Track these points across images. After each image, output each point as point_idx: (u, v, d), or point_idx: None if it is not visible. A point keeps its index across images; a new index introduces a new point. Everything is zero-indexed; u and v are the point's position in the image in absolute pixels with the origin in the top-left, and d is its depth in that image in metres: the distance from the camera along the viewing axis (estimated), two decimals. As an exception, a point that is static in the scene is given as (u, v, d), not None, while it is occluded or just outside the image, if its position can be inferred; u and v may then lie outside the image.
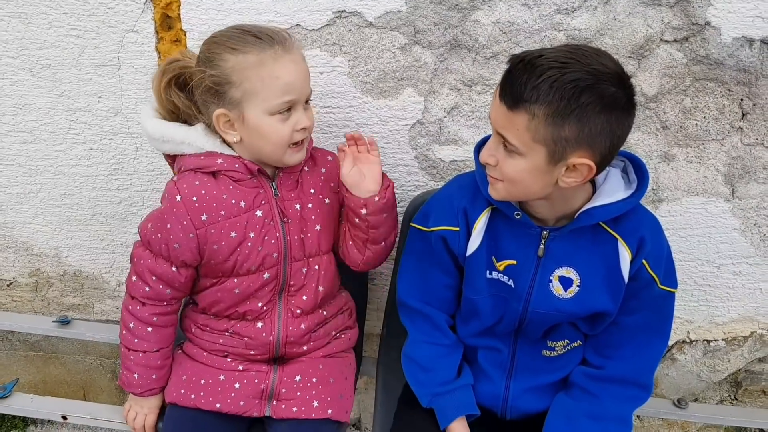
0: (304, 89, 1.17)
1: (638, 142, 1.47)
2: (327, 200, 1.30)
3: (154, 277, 1.23)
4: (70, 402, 1.60)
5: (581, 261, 1.14)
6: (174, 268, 1.23)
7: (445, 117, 1.48)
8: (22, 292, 1.87)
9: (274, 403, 1.30)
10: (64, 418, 1.54)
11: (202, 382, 1.30)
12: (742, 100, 1.43)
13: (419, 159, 1.53)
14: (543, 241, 1.14)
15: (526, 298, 1.16)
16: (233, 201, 1.20)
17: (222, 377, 1.30)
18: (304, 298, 1.30)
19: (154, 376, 1.30)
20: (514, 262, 1.16)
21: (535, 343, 1.23)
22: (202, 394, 1.28)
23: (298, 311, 1.31)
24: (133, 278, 1.25)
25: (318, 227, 1.29)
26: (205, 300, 1.30)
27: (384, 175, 1.26)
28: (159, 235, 1.20)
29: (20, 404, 1.57)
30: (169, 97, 1.21)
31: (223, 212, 1.19)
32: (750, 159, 1.49)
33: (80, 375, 2.05)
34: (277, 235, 1.24)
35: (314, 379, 1.32)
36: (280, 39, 1.13)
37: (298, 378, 1.31)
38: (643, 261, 1.12)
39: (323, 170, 1.31)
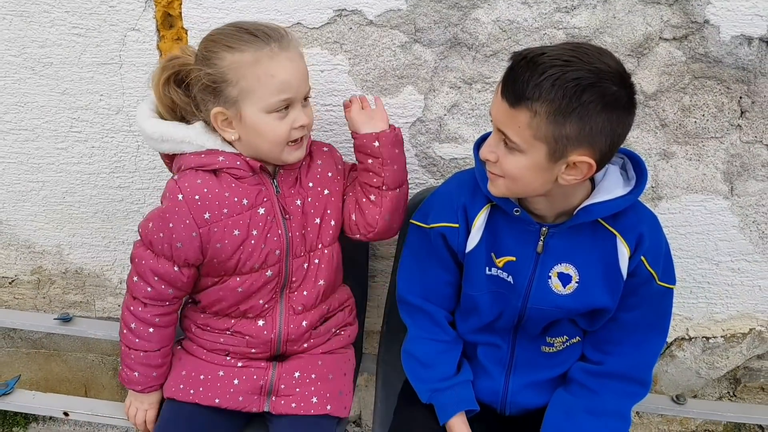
0: (302, 87, 1.16)
1: (637, 139, 1.48)
2: (326, 191, 1.30)
3: (156, 277, 1.23)
4: (71, 398, 1.61)
5: (580, 257, 1.14)
6: (176, 268, 1.22)
7: (445, 115, 1.48)
8: (24, 289, 1.88)
9: (273, 398, 1.30)
10: (66, 414, 1.55)
11: (202, 377, 1.30)
12: (740, 98, 1.43)
13: (419, 157, 1.53)
14: (542, 238, 1.14)
15: (525, 295, 1.17)
16: (236, 199, 1.20)
17: (221, 373, 1.30)
18: (305, 293, 1.30)
19: (154, 374, 1.30)
20: (514, 258, 1.17)
21: (534, 339, 1.23)
22: (201, 389, 1.29)
23: (300, 308, 1.31)
24: (135, 279, 1.25)
25: (318, 220, 1.29)
26: (206, 299, 1.30)
27: None
28: (161, 235, 1.19)
29: (22, 401, 1.58)
30: (167, 94, 1.20)
31: (225, 210, 1.19)
32: (749, 156, 1.49)
33: (82, 372, 2.06)
34: (279, 232, 1.24)
35: (313, 376, 1.32)
36: (276, 36, 1.13)
37: (297, 374, 1.32)
38: (642, 257, 1.12)
39: (319, 162, 1.31)
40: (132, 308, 1.26)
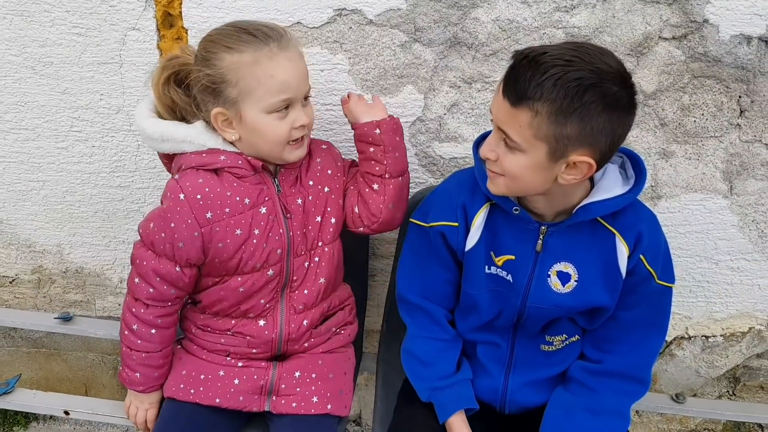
0: (301, 87, 1.16)
1: (637, 139, 1.48)
2: (326, 189, 1.30)
3: (158, 278, 1.22)
4: (72, 397, 1.61)
5: (579, 256, 1.14)
6: (178, 268, 1.22)
7: (445, 114, 1.49)
8: (25, 288, 1.88)
9: (274, 398, 1.30)
10: (67, 413, 1.54)
11: (202, 377, 1.30)
12: (740, 97, 1.43)
13: (419, 156, 1.54)
14: (541, 237, 1.15)
15: (525, 293, 1.17)
16: (237, 198, 1.19)
17: (222, 373, 1.30)
18: (306, 292, 1.30)
19: (156, 374, 1.30)
20: (513, 257, 1.17)
21: (533, 337, 1.23)
22: (201, 389, 1.29)
23: (301, 307, 1.31)
24: (136, 280, 1.24)
25: (318, 218, 1.28)
26: (207, 299, 1.29)
27: None
28: (163, 235, 1.18)
29: (23, 400, 1.58)
30: (167, 93, 1.20)
31: (227, 210, 1.19)
32: (748, 156, 1.50)
33: (82, 371, 2.06)
34: (281, 231, 1.24)
35: (313, 375, 1.32)
36: (276, 36, 1.12)
37: (297, 374, 1.32)
38: (641, 256, 1.12)
39: (319, 160, 1.31)
40: (134, 310, 1.25)
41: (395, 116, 1.29)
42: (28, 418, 2.04)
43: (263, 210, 1.22)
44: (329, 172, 1.31)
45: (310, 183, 1.28)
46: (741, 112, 1.45)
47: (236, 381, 1.29)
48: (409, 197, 1.46)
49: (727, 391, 1.92)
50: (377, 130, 1.24)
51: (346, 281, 1.46)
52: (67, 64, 1.49)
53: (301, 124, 1.17)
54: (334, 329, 1.40)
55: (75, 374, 2.07)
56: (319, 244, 1.30)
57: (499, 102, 1.01)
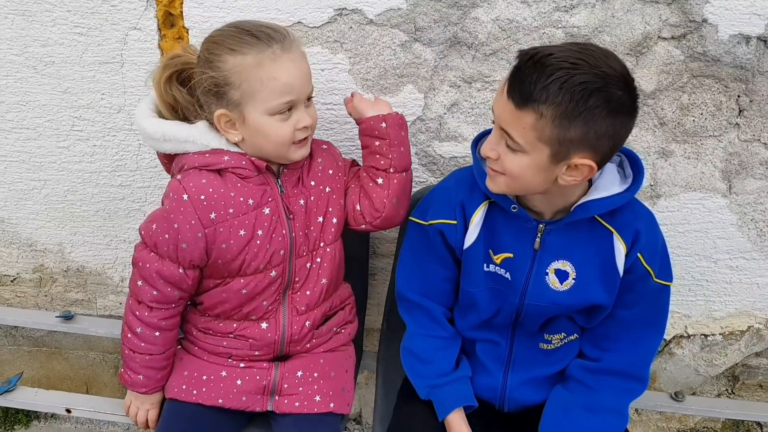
0: (304, 88, 1.16)
1: (636, 138, 1.49)
2: (328, 189, 1.29)
3: (161, 280, 1.21)
4: (73, 395, 1.61)
5: (577, 254, 1.15)
6: (181, 270, 1.20)
7: (445, 113, 1.49)
8: (26, 287, 1.88)
9: (277, 398, 1.30)
10: (68, 411, 1.55)
11: (204, 377, 1.30)
12: (739, 96, 1.44)
13: (419, 155, 1.54)
14: (539, 235, 1.15)
15: (523, 291, 1.18)
16: (241, 199, 1.18)
17: (224, 373, 1.30)
18: (308, 293, 1.30)
19: (158, 376, 1.30)
20: (511, 255, 1.17)
21: (532, 336, 1.24)
22: (204, 389, 1.29)
23: (303, 308, 1.30)
24: (139, 283, 1.22)
25: (320, 219, 1.28)
26: (209, 300, 1.28)
27: None
28: (166, 236, 1.17)
29: (24, 398, 1.58)
30: (169, 91, 1.19)
31: (231, 210, 1.18)
32: (747, 155, 1.50)
33: (83, 370, 2.06)
34: (284, 232, 1.23)
35: (315, 374, 1.33)
36: (278, 38, 1.12)
37: (299, 373, 1.32)
38: (638, 254, 1.13)
39: (320, 160, 1.30)
40: (137, 313, 1.24)
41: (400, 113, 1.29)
42: (29, 416, 2.04)
43: (267, 211, 1.22)
44: (330, 172, 1.31)
45: (312, 183, 1.28)
46: (740, 111, 1.45)
47: (239, 381, 1.29)
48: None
49: (726, 390, 1.92)
50: (383, 124, 1.24)
51: (347, 280, 1.46)
52: (68, 63, 1.50)
53: (304, 125, 1.16)
54: (335, 329, 1.40)
55: (76, 373, 2.07)
56: (321, 244, 1.30)
57: (503, 102, 1.01)
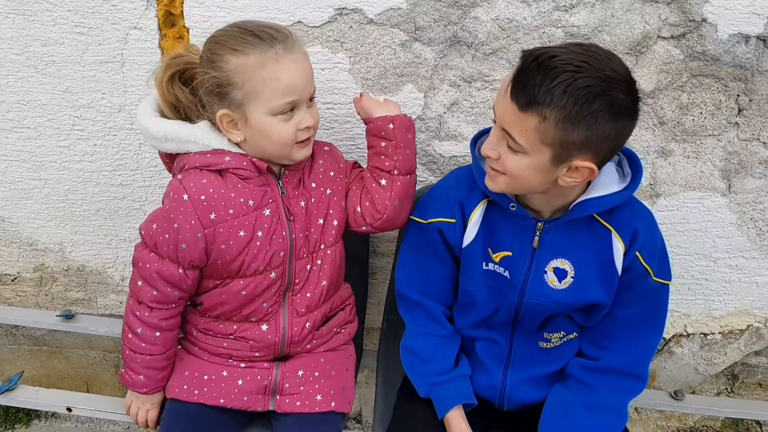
0: (307, 89, 1.15)
1: (636, 137, 1.49)
2: (329, 191, 1.29)
3: (161, 280, 1.21)
4: (74, 394, 1.62)
5: (575, 253, 1.15)
6: (181, 270, 1.20)
7: (445, 113, 1.49)
8: (27, 286, 1.88)
9: (278, 397, 1.30)
10: (69, 410, 1.55)
11: (205, 377, 1.30)
12: (738, 95, 1.44)
13: (419, 154, 1.54)
14: (538, 233, 1.15)
15: (522, 289, 1.18)
16: (242, 200, 1.18)
17: (225, 373, 1.30)
18: (308, 295, 1.30)
19: (159, 376, 1.30)
20: (510, 253, 1.17)
21: (531, 334, 1.24)
22: (205, 389, 1.29)
23: (303, 310, 1.30)
24: (139, 283, 1.22)
25: (321, 221, 1.28)
26: (208, 301, 1.28)
27: None
28: (166, 236, 1.17)
29: (25, 396, 1.59)
30: (171, 91, 1.19)
31: (231, 211, 1.18)
32: (746, 154, 1.50)
33: (84, 369, 2.07)
34: (284, 233, 1.23)
35: (316, 373, 1.33)
36: (281, 38, 1.12)
37: (300, 373, 1.32)
38: (637, 253, 1.13)
39: (321, 162, 1.30)
40: (138, 313, 1.24)
41: (408, 115, 1.28)
42: (29, 415, 2.04)
43: (267, 212, 1.21)
44: (331, 174, 1.30)
45: (313, 185, 1.28)
46: (739, 110, 1.46)
47: (240, 382, 1.30)
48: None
49: (726, 389, 1.93)
50: (391, 125, 1.23)
51: (347, 279, 1.46)
52: (69, 63, 1.50)
53: (306, 126, 1.16)
54: (335, 329, 1.40)
55: (76, 372, 2.07)
56: (321, 246, 1.29)
57: (506, 104, 1.00)
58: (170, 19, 1.44)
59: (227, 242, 1.19)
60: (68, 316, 1.79)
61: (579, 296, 1.16)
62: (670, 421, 2.00)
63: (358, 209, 1.30)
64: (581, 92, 0.93)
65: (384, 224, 1.29)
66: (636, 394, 1.21)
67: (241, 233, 1.19)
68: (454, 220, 1.21)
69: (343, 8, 1.39)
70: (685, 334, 1.77)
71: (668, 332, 1.76)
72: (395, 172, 1.25)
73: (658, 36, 1.38)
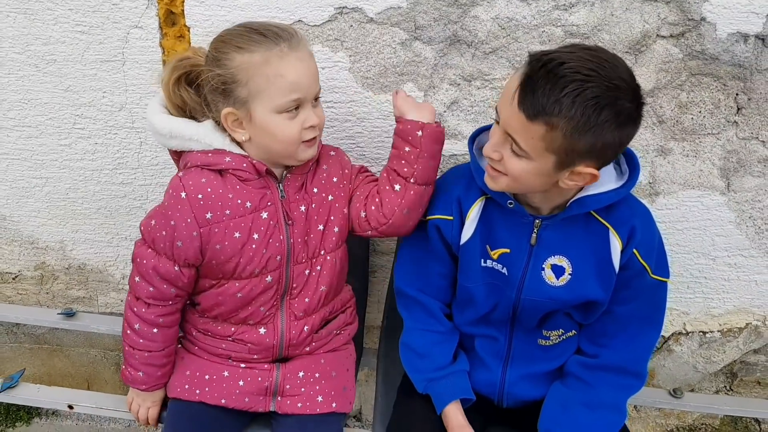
0: (312, 87, 1.15)
1: (635, 136, 1.49)
2: (330, 197, 1.28)
3: (157, 277, 1.21)
4: (76, 392, 1.62)
5: (573, 250, 1.16)
6: (177, 267, 1.21)
7: (444, 112, 1.49)
8: (28, 285, 1.89)
9: (279, 399, 1.31)
10: (71, 407, 1.56)
11: (207, 377, 1.30)
12: (737, 94, 1.44)
13: (419, 153, 1.54)
14: (535, 230, 1.16)
15: (519, 286, 1.18)
16: (239, 201, 1.18)
17: (226, 373, 1.30)
18: (306, 300, 1.29)
19: (159, 373, 1.30)
20: (508, 250, 1.18)
21: (530, 332, 1.24)
22: (207, 389, 1.29)
23: (301, 314, 1.30)
24: (137, 278, 1.23)
25: (321, 227, 1.27)
26: (205, 302, 1.28)
27: None
28: (163, 233, 1.18)
29: (27, 394, 1.59)
30: (177, 92, 1.19)
31: (228, 211, 1.17)
32: (745, 153, 1.51)
33: (84, 367, 2.07)
34: (281, 237, 1.22)
35: (317, 374, 1.33)
36: (286, 36, 1.11)
37: (301, 374, 1.32)
38: (634, 250, 1.14)
39: (325, 167, 1.29)
40: (135, 309, 1.25)
41: (441, 123, 1.23)
42: (30, 413, 2.05)
43: (264, 215, 1.21)
44: (334, 179, 1.29)
45: (315, 190, 1.26)
46: (738, 109, 1.46)
47: (241, 382, 1.30)
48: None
49: (725, 387, 1.93)
50: (420, 132, 1.19)
51: (347, 279, 1.45)
52: (70, 61, 1.50)
53: (311, 125, 1.15)
54: (335, 331, 1.40)
55: (77, 370, 2.08)
56: (321, 252, 1.28)
57: (512, 111, 0.99)
58: (171, 18, 1.44)
59: (222, 243, 1.19)
60: (69, 314, 1.80)
61: (576, 293, 1.17)
62: (669, 419, 2.00)
63: (363, 214, 1.28)
64: (590, 103, 0.93)
65: (389, 230, 1.26)
66: (635, 391, 1.22)
67: (237, 234, 1.19)
68: (451, 218, 1.21)
69: (344, 7, 1.39)
70: (684, 332, 1.77)
71: (667, 330, 1.76)
72: (411, 181, 1.22)
73: (658, 35, 1.38)
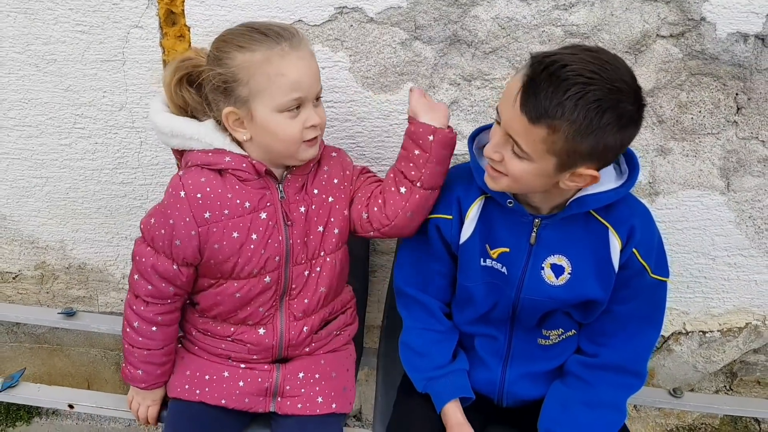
0: (313, 87, 1.14)
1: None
2: (330, 198, 1.28)
3: (156, 275, 1.21)
4: (76, 391, 1.62)
5: (572, 249, 1.16)
6: (175, 266, 1.21)
7: (444, 111, 1.50)
8: (28, 284, 1.89)
9: (279, 399, 1.31)
10: (71, 406, 1.56)
11: (207, 377, 1.30)
12: (737, 94, 1.44)
13: (419, 153, 1.54)
14: (535, 229, 1.16)
15: (519, 285, 1.18)
16: (238, 201, 1.18)
17: (226, 374, 1.30)
18: (306, 301, 1.29)
19: (158, 371, 1.30)
20: (507, 249, 1.18)
21: (530, 331, 1.25)
22: (207, 389, 1.29)
23: (300, 314, 1.30)
24: (135, 277, 1.24)
25: (321, 228, 1.26)
26: (204, 301, 1.28)
27: None
28: (162, 231, 1.18)
29: (27, 393, 1.59)
30: (179, 93, 1.19)
31: (226, 211, 1.18)
32: (745, 152, 1.51)
33: (84, 367, 2.07)
34: (280, 238, 1.22)
35: (317, 375, 1.33)
36: (287, 36, 1.11)
37: (301, 375, 1.32)
38: (634, 250, 1.14)
39: (326, 168, 1.28)
40: (134, 307, 1.26)
41: (453, 129, 1.22)
42: (30, 413, 2.05)
43: (263, 215, 1.21)
44: (335, 181, 1.29)
45: (315, 192, 1.26)
46: (738, 109, 1.46)
47: (241, 383, 1.30)
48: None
49: (724, 386, 1.93)
50: (431, 137, 1.18)
51: (347, 279, 1.45)
52: (70, 61, 1.50)
53: (312, 124, 1.15)
54: (335, 332, 1.40)
55: (77, 370, 2.08)
56: (321, 253, 1.28)
57: (514, 113, 0.99)
58: (171, 18, 1.44)
59: (220, 242, 1.19)
60: (69, 314, 1.80)
61: (576, 292, 1.17)
62: (668, 418, 2.01)
63: (365, 215, 1.27)
64: (592, 106, 0.93)
65: (392, 231, 1.25)
66: (634, 390, 1.22)
67: (235, 234, 1.19)
68: (450, 217, 1.21)
69: (344, 7, 1.39)
70: (683, 332, 1.77)
71: (667, 330, 1.77)
72: (418, 185, 1.20)
73: (657, 35, 1.39)
